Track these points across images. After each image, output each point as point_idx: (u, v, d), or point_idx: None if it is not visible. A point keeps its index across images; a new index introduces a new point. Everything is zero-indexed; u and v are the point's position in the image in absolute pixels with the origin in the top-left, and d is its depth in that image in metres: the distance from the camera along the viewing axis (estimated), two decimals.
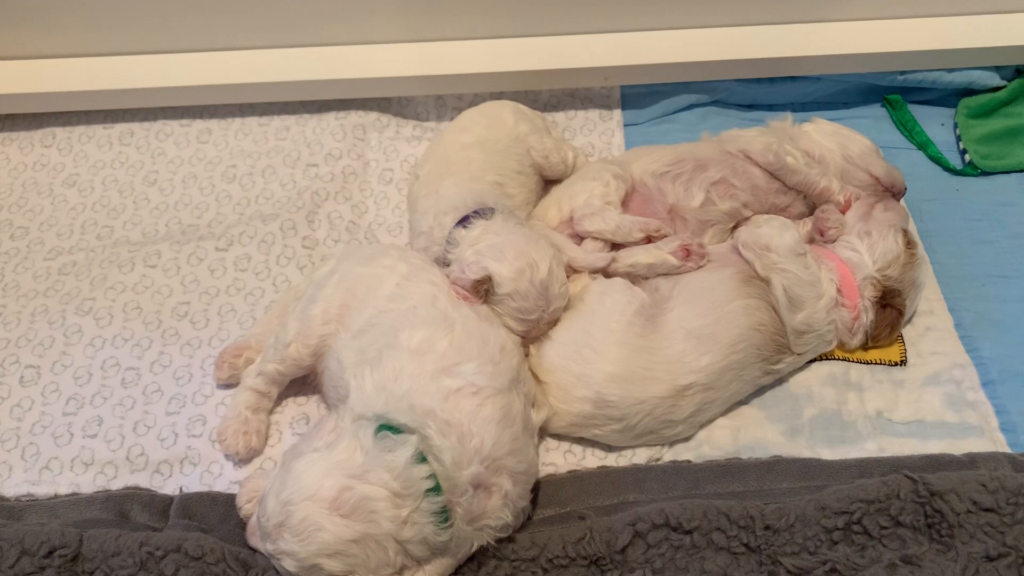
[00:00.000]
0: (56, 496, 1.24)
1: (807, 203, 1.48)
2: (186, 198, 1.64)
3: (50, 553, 1.10)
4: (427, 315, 1.21)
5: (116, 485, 1.25)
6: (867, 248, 1.36)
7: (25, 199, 1.64)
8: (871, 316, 1.33)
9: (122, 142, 1.72)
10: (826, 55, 1.70)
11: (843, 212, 1.44)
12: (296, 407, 1.33)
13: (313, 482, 1.02)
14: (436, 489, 1.03)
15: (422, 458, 1.04)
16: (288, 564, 1.03)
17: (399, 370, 1.15)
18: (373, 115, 1.74)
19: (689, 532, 1.08)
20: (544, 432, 1.26)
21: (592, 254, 1.37)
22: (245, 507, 1.16)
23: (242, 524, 1.16)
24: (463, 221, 1.33)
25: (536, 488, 1.18)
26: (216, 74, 1.69)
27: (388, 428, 1.06)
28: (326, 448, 1.05)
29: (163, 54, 1.72)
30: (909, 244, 1.37)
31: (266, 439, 1.29)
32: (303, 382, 1.34)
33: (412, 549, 1.03)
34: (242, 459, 1.27)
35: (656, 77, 1.72)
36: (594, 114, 1.76)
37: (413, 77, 1.70)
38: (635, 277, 1.35)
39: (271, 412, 1.32)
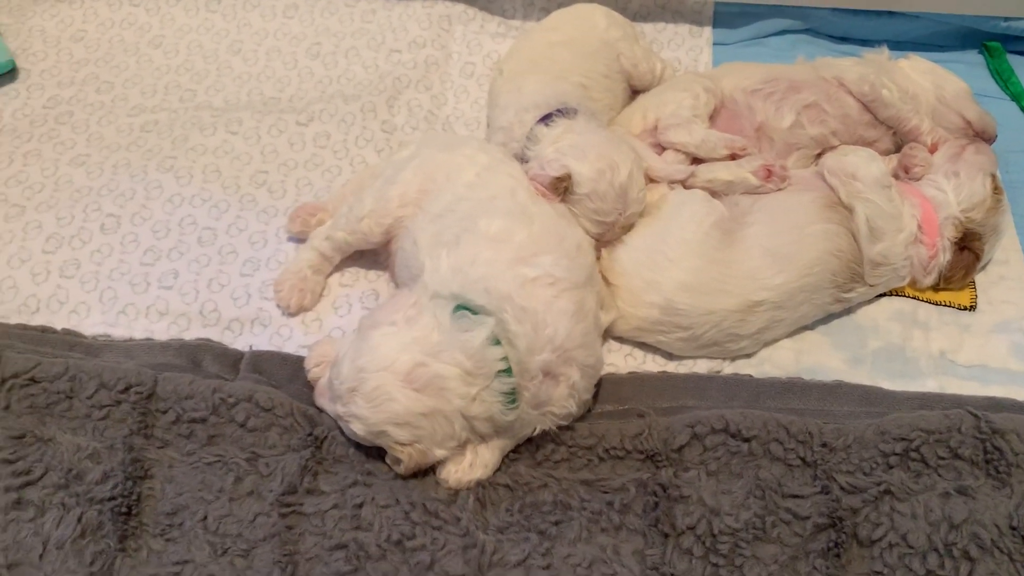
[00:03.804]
0: (131, 339, 1.28)
1: (894, 141, 1.45)
2: (269, 70, 1.64)
3: (126, 389, 1.15)
4: (506, 206, 1.22)
5: (188, 336, 1.28)
6: (953, 188, 1.34)
7: (111, 55, 1.65)
8: (948, 256, 1.31)
9: (209, 8, 1.72)
10: None
11: (930, 153, 1.42)
12: (367, 283, 1.36)
13: (389, 354, 1.05)
14: (507, 372, 1.06)
15: (496, 341, 1.06)
16: (356, 427, 1.07)
17: (476, 255, 1.16)
18: (460, 7, 1.72)
19: (747, 440, 1.10)
20: (608, 334, 1.28)
21: (672, 165, 1.36)
22: (313, 370, 1.19)
23: (309, 385, 1.20)
24: (545, 119, 1.33)
25: (597, 384, 1.20)
26: None
27: (466, 308, 1.08)
28: (404, 323, 1.07)
29: None
30: (996, 189, 1.35)
31: (318, 300, 1.32)
32: (374, 260, 1.36)
33: (478, 425, 1.06)
34: (291, 313, 1.31)
35: None
36: (684, 29, 1.72)
37: None
38: (712, 192, 1.35)
39: (329, 276, 1.35)
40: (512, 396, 1.06)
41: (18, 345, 1.21)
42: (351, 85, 1.62)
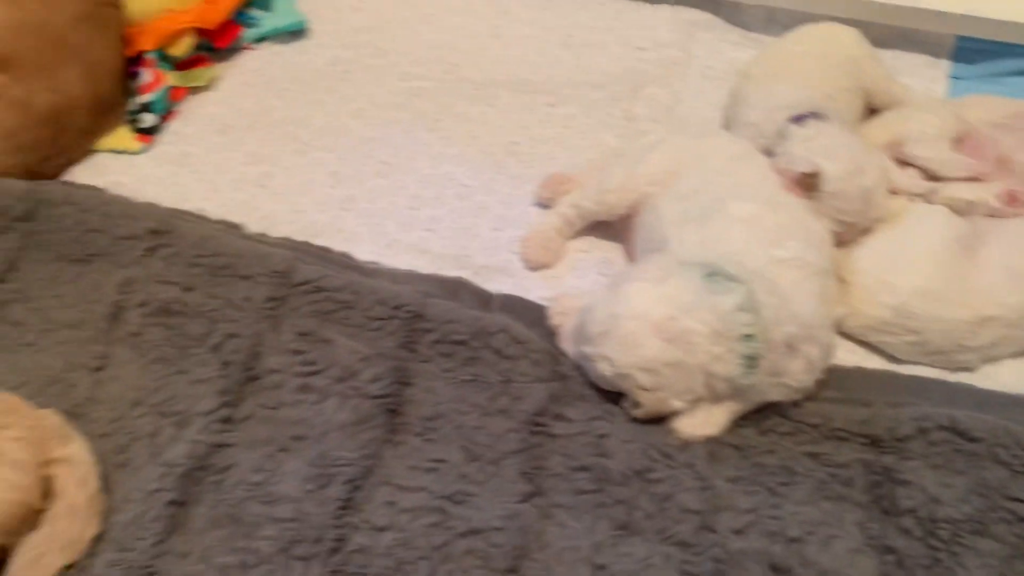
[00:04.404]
0: (395, 270, 1.43)
1: None
2: (523, 55, 1.79)
3: (399, 307, 1.29)
4: (754, 193, 1.30)
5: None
6: None
7: (386, 26, 1.85)
8: None
9: None
10: None
11: None
12: (602, 252, 1.47)
13: (643, 305, 1.14)
14: (751, 338, 1.14)
15: (745, 308, 1.14)
16: (603, 367, 1.17)
17: (726, 233, 1.25)
18: (705, 15, 1.83)
19: (973, 440, 1.14)
20: (834, 329, 1.33)
21: (913, 179, 1.42)
22: (557, 317, 1.31)
23: (549, 332, 1.31)
24: (798, 119, 1.41)
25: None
26: None
27: (717, 275, 1.17)
28: (657, 280, 1.17)
29: None
30: None
31: (558, 260, 1.45)
32: (609, 232, 1.47)
33: (716, 384, 1.14)
34: (533, 268, 1.44)
35: (999, 34, 1.71)
36: (921, 59, 1.77)
37: None
38: (952, 210, 1.39)
39: (569, 241, 1.47)
40: (753, 361, 1.14)
41: (306, 258, 1.38)
42: (598, 75, 1.74)
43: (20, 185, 1.40)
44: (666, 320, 1.13)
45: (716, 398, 1.17)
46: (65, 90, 1.45)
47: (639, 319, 1.14)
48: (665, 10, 1.83)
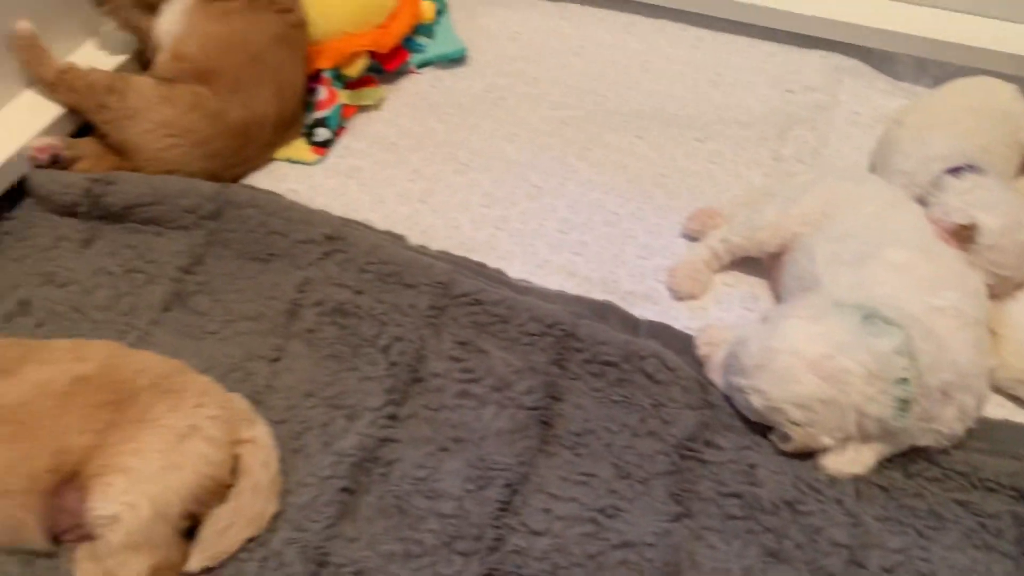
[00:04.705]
0: (547, 289, 1.50)
1: None
2: (672, 90, 1.85)
3: (552, 325, 1.35)
4: (910, 240, 1.33)
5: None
6: None
7: (540, 56, 1.93)
8: None
9: (625, 30, 1.97)
10: None
11: None
12: (747, 287, 1.50)
13: (799, 341, 1.18)
14: (907, 382, 1.16)
15: (902, 351, 1.16)
16: (755, 400, 1.21)
17: (880, 277, 1.27)
18: (853, 62, 1.86)
19: None
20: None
21: None
22: (704, 347, 1.35)
23: (695, 361, 1.35)
24: (954, 171, 1.42)
25: None
26: None
27: (875, 317, 1.20)
28: (812, 319, 1.20)
29: None
30: None
31: (705, 292, 1.49)
32: (755, 268, 1.51)
33: (866, 424, 1.17)
34: (679, 298, 1.48)
35: None
36: None
37: (906, 34, 1.80)
38: None
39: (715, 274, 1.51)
40: (906, 404, 1.16)
41: (464, 272, 1.46)
42: (745, 113, 1.79)
43: (209, 186, 1.53)
44: (822, 358, 1.16)
45: (865, 438, 1.19)
46: (256, 107, 1.57)
47: (795, 355, 1.18)
48: (814, 55, 1.87)
